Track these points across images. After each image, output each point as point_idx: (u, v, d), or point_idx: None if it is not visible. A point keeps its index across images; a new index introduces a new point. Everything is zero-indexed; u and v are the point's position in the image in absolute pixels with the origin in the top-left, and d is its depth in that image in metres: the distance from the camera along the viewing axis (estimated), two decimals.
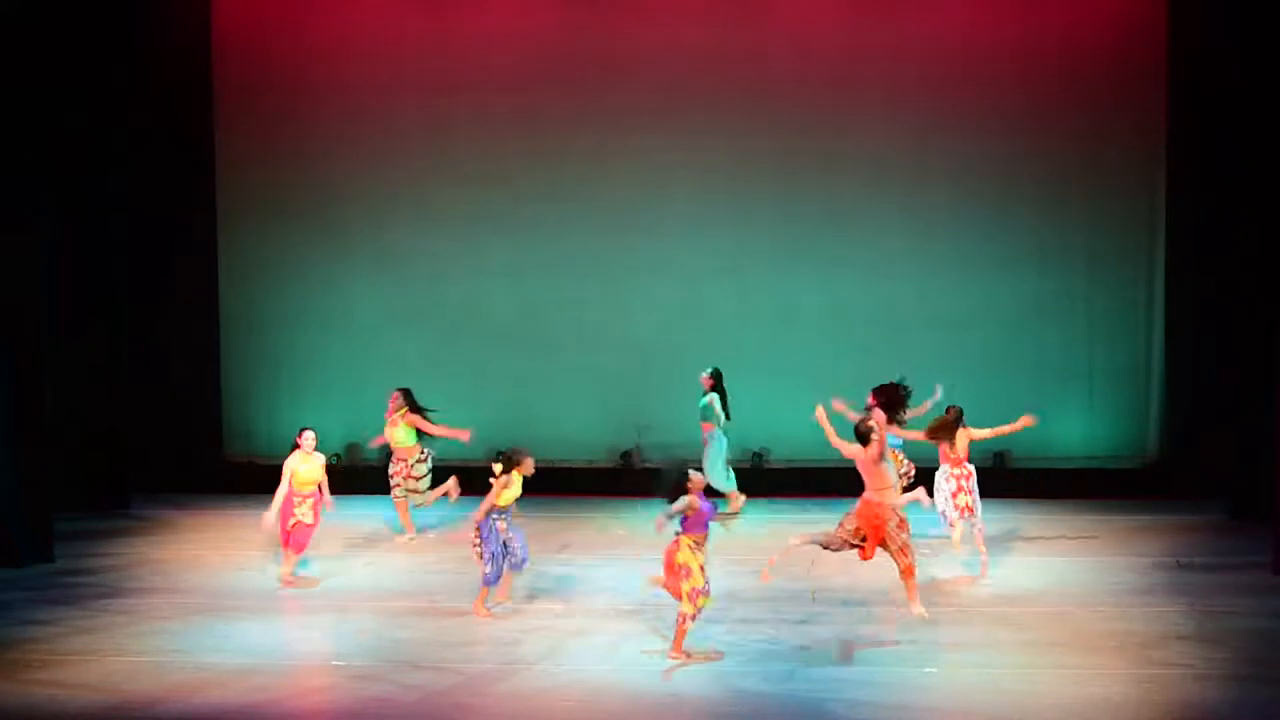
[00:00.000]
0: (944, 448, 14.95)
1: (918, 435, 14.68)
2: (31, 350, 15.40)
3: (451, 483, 15.59)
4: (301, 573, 14.62)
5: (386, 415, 16.43)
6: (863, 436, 12.93)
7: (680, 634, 11.94)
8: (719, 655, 12.06)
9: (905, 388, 13.88)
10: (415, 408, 16.31)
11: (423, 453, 16.43)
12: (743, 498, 17.43)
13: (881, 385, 13.93)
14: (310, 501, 14.39)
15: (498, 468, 13.26)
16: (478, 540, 13.24)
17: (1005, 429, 14.78)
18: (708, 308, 19.04)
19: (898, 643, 12.46)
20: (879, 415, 13.29)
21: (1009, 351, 18.69)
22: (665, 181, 18.97)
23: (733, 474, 17.44)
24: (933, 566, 14.87)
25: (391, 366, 18.51)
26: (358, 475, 18.07)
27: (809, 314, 18.91)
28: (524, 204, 19.02)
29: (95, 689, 11.47)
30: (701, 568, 11.88)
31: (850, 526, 12.89)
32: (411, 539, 16.31)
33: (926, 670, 11.81)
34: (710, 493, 13.48)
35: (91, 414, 17.46)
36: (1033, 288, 18.81)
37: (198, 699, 11.25)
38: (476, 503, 13.26)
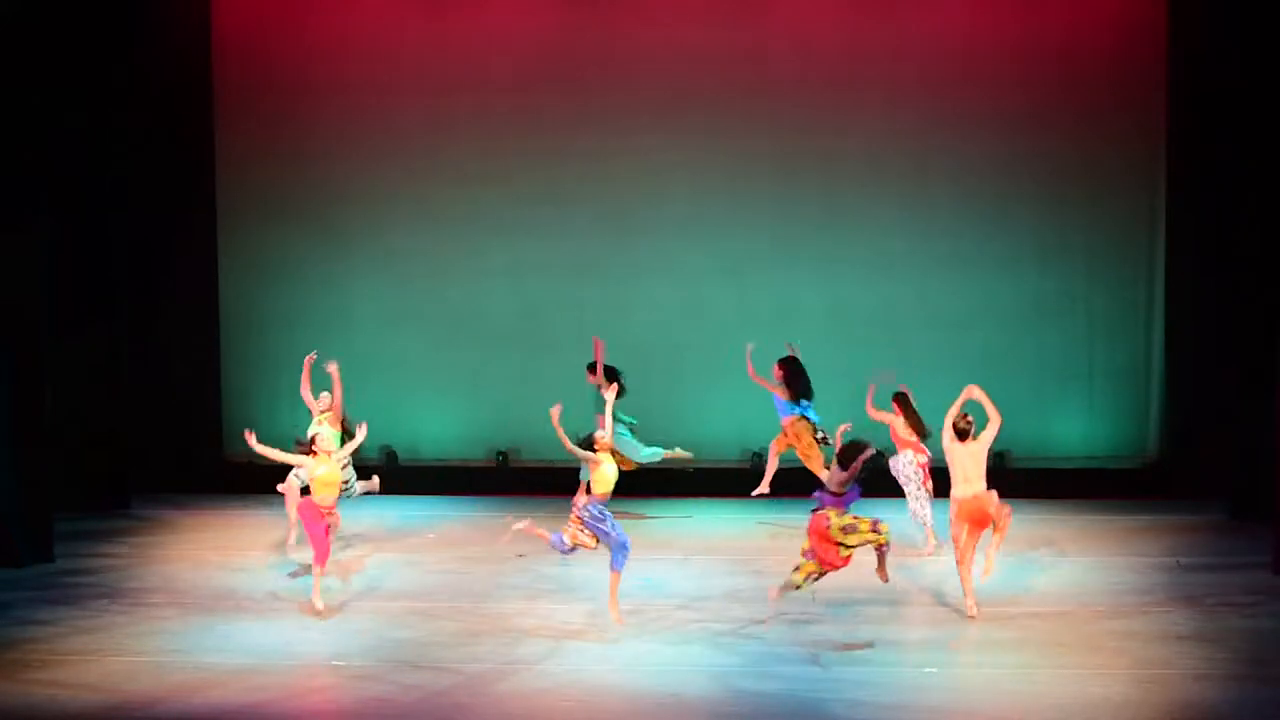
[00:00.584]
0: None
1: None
2: (31, 350, 15.40)
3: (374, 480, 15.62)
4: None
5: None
6: (962, 433, 13.43)
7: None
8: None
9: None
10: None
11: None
12: (677, 449, 17.23)
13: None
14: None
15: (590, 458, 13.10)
16: (582, 528, 12.96)
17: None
18: (708, 308, 19.03)
19: (901, 642, 12.47)
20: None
21: (1009, 351, 18.68)
22: (665, 181, 18.95)
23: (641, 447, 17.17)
24: (935, 566, 14.87)
25: (391, 366, 18.51)
26: (357, 475, 18.03)
27: (809, 314, 18.89)
28: (524, 204, 19.01)
29: (95, 689, 11.47)
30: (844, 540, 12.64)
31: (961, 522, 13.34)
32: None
33: (926, 670, 11.81)
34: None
35: (91, 414, 17.44)
36: (1033, 288, 18.80)
37: (198, 699, 11.25)
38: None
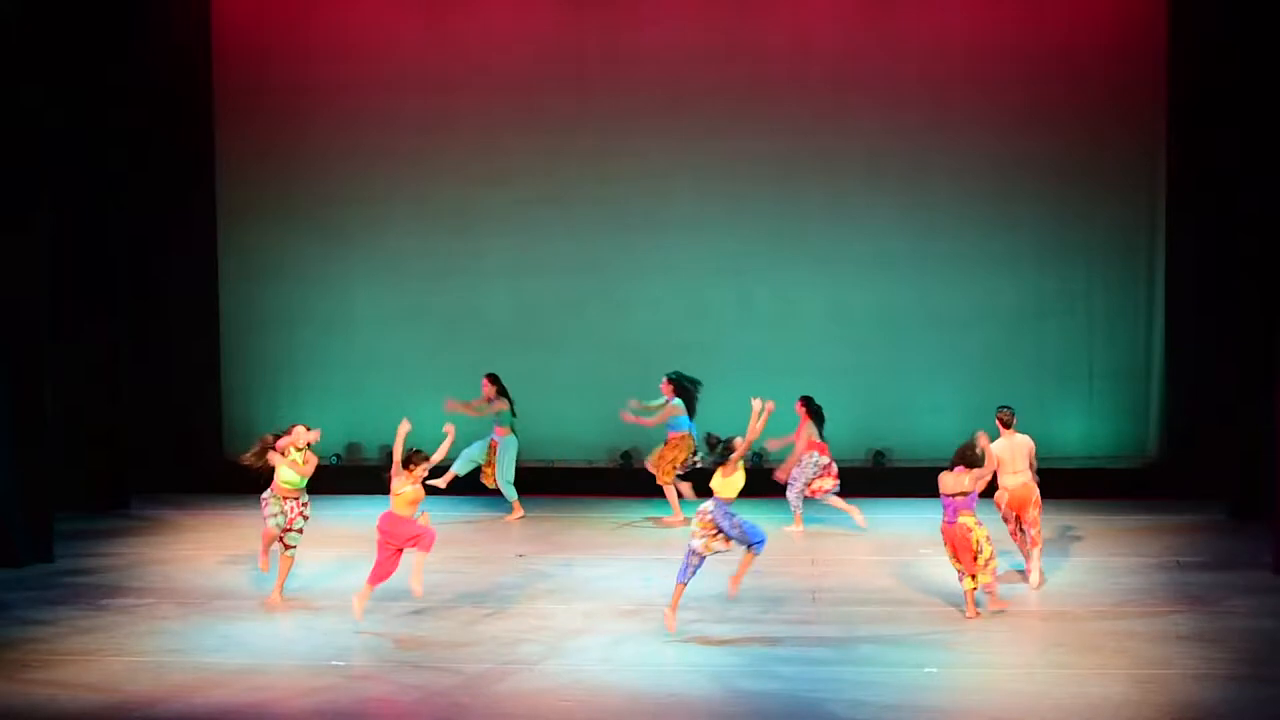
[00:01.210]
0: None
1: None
2: (31, 350, 15.40)
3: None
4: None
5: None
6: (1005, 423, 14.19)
7: (993, 592, 13.27)
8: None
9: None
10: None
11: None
12: (522, 511, 17.34)
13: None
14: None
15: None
16: (712, 527, 12.77)
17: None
18: (708, 308, 19.04)
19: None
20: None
21: (1009, 351, 18.69)
22: (665, 181, 18.96)
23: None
24: (935, 566, 14.86)
25: (391, 366, 18.52)
26: (358, 475, 18.07)
27: (809, 314, 18.90)
28: (524, 204, 19.01)
29: (95, 689, 11.47)
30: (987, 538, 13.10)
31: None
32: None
33: (926, 670, 11.81)
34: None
35: (91, 414, 17.46)
36: (1033, 288, 18.80)
37: (198, 699, 11.25)
38: None
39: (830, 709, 11.05)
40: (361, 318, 19.18)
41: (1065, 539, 16.13)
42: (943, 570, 14.66)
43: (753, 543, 12.82)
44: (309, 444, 13.71)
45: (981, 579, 13.15)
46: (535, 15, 18.98)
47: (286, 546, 13.70)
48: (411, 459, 12.96)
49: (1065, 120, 18.56)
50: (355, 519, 16.85)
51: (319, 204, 19.15)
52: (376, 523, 13.01)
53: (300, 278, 19.23)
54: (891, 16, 18.72)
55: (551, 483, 18.64)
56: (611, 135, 18.94)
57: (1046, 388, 18.62)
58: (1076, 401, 18.79)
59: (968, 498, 13.10)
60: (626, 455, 18.96)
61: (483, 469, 17.39)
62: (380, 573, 12.97)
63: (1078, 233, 18.74)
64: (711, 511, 12.71)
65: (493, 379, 17.31)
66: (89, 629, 12.98)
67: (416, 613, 13.40)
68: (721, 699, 11.25)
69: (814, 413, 16.79)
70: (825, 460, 16.75)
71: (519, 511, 17.33)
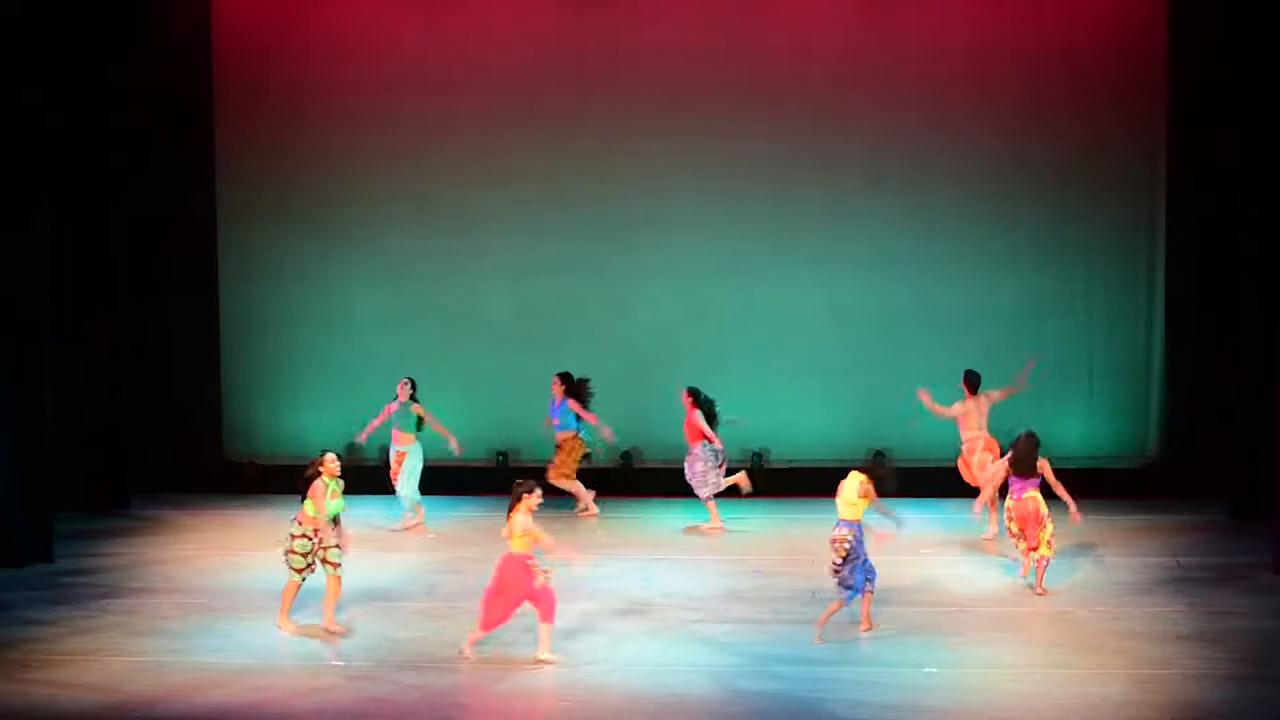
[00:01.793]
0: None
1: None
2: (31, 350, 15.41)
3: None
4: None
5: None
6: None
7: (1043, 573, 13.87)
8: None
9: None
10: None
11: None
12: (420, 520, 17.03)
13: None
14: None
15: (857, 482, 12.63)
16: (846, 550, 12.60)
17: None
18: (708, 308, 19.03)
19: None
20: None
21: (1009, 351, 18.62)
22: (665, 181, 18.95)
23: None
24: (936, 566, 14.88)
25: (391, 366, 18.49)
26: (357, 475, 18.02)
27: (809, 314, 18.90)
28: (524, 204, 19.01)
29: (95, 689, 11.47)
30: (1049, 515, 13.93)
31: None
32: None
33: (926, 670, 11.81)
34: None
35: (91, 414, 17.46)
36: (1033, 288, 18.80)
37: (198, 699, 11.25)
38: None
39: (830, 709, 11.06)
40: (361, 318, 19.18)
41: (1065, 539, 16.11)
42: (943, 570, 14.69)
43: (851, 589, 12.62)
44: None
45: (1043, 551, 13.85)
46: (535, 15, 18.97)
47: (333, 566, 12.86)
48: (525, 489, 12.08)
49: (1065, 120, 18.55)
50: (355, 519, 16.84)
51: (319, 204, 19.15)
52: (498, 565, 12.11)
53: (300, 278, 19.23)
54: (891, 16, 18.72)
55: (550, 484, 18.63)
56: (611, 135, 18.94)
57: (1046, 388, 18.56)
58: (1076, 401, 18.78)
59: (1035, 480, 14.05)
60: (626, 455, 18.96)
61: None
62: (493, 620, 12.08)
63: (1078, 233, 18.74)
64: (850, 540, 12.56)
65: (564, 377, 17.30)
66: (89, 629, 12.99)
67: (417, 613, 13.41)
68: (721, 699, 11.25)
69: (701, 404, 16.79)
70: (720, 449, 16.77)
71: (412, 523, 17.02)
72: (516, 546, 12.03)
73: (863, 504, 12.59)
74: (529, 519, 12.01)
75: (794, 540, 16.38)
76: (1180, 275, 18.30)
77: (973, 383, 16.20)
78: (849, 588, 12.58)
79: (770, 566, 14.81)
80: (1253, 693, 11.32)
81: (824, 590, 13.97)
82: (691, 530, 16.85)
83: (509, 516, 12.04)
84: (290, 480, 16.58)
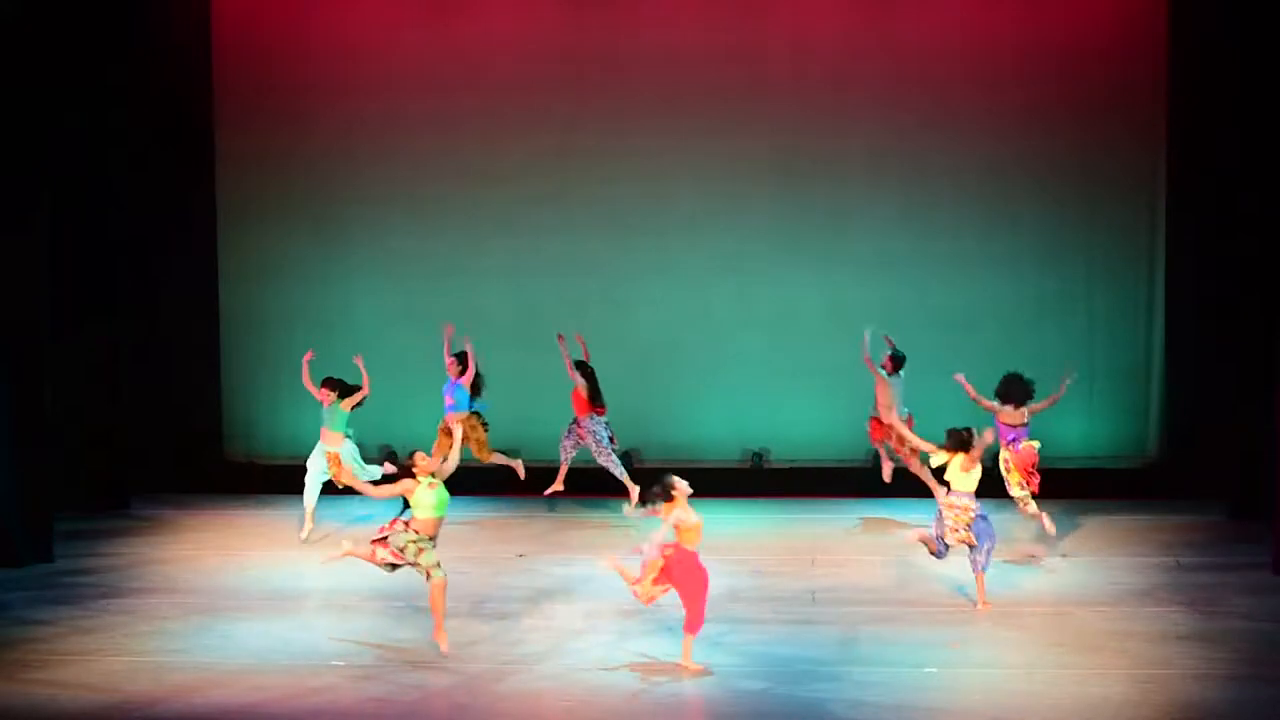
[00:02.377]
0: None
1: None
2: (31, 350, 15.40)
3: None
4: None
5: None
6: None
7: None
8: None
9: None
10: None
11: None
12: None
13: None
14: None
15: (940, 455, 13.46)
16: (968, 529, 13.36)
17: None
18: (708, 308, 19.02)
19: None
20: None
21: (1009, 351, 18.62)
22: (666, 181, 18.94)
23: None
24: (936, 566, 14.87)
25: (391, 366, 18.48)
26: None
27: (809, 314, 18.89)
28: (524, 204, 19.00)
29: (95, 689, 11.47)
30: None
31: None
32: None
33: (926, 670, 11.81)
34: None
35: (91, 414, 17.45)
36: (1033, 288, 18.79)
37: (198, 699, 11.25)
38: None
39: (830, 709, 11.06)
40: (361, 318, 19.17)
41: (1065, 539, 16.12)
42: (943, 569, 14.68)
43: (979, 547, 13.31)
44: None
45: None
46: (535, 15, 18.96)
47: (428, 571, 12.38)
48: (670, 486, 11.90)
49: (1065, 120, 18.53)
50: (355, 519, 16.86)
51: (319, 204, 19.13)
52: (668, 556, 11.89)
53: (300, 278, 19.22)
54: (891, 16, 18.71)
55: (551, 483, 18.61)
56: (611, 135, 18.92)
57: (1047, 388, 18.56)
58: (1076, 401, 18.72)
59: (1025, 428, 15.02)
60: (626, 455, 18.94)
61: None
62: (697, 619, 11.80)
63: (1078, 233, 18.73)
64: (974, 509, 13.34)
65: (460, 357, 17.02)
66: (89, 629, 12.99)
67: (417, 613, 13.40)
68: (722, 699, 11.25)
69: (589, 375, 16.97)
70: (606, 419, 17.01)
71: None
72: (689, 540, 11.91)
73: (970, 471, 13.36)
74: (686, 512, 11.90)
75: (794, 540, 16.38)
76: (1180, 275, 18.29)
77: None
78: (979, 548, 13.35)
79: (770, 566, 14.81)
80: (1253, 693, 11.32)
81: (824, 590, 13.99)
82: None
83: (663, 515, 11.84)
84: (290, 480, 16.72)
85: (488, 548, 15.98)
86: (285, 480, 17.08)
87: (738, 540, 16.31)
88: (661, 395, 18.61)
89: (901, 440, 15.94)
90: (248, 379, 19.28)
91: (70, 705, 11.16)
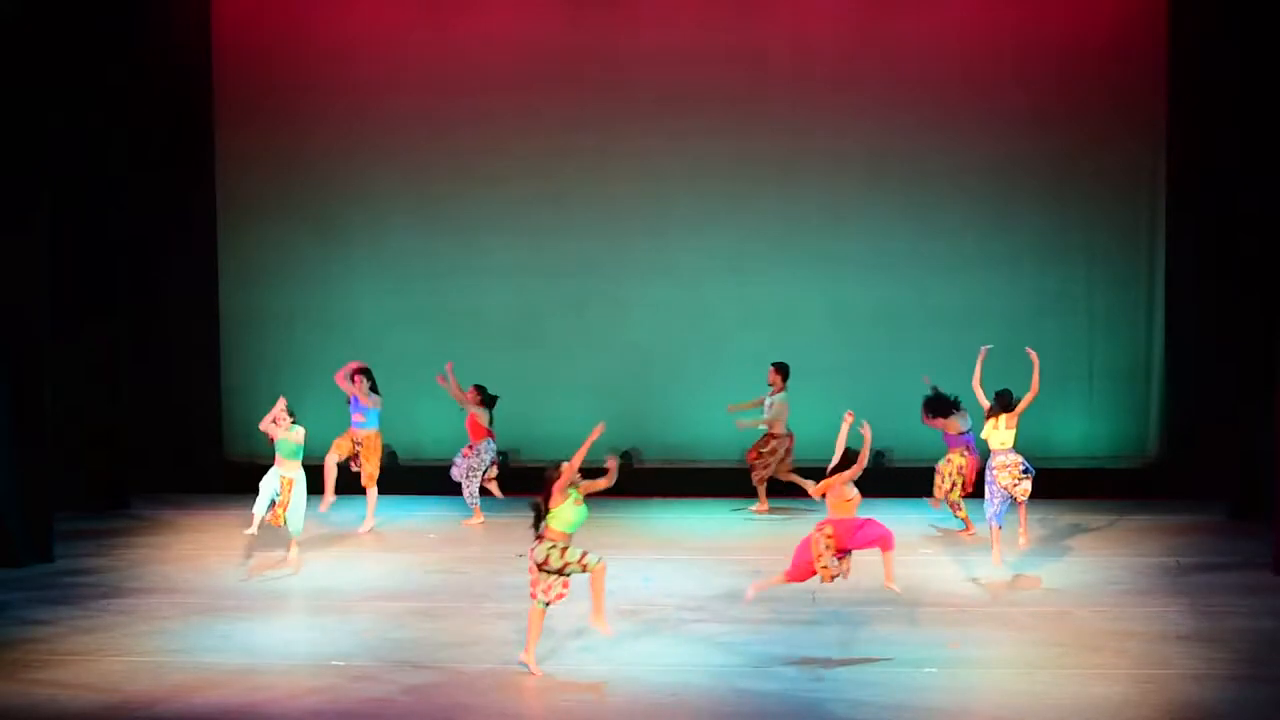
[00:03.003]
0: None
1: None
2: (31, 350, 15.40)
3: None
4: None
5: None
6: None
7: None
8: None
9: None
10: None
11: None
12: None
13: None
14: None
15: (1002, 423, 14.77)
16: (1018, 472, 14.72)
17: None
18: (708, 308, 19.03)
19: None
20: None
21: (1009, 351, 18.62)
22: (665, 182, 18.95)
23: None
24: (936, 566, 14.88)
25: (391, 366, 18.49)
26: (357, 475, 18.03)
27: (809, 314, 18.90)
28: (524, 204, 19.01)
29: (95, 689, 11.47)
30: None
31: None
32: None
33: (926, 670, 11.81)
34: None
35: (91, 414, 17.46)
36: (1033, 288, 18.80)
37: (198, 699, 11.25)
38: None
39: (830, 709, 11.06)
40: (361, 318, 19.17)
41: (1065, 539, 16.14)
42: (943, 570, 14.69)
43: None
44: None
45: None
46: (535, 15, 18.97)
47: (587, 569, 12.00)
48: (849, 458, 12.79)
49: (1065, 120, 18.55)
50: (355, 519, 16.86)
51: (319, 204, 19.14)
52: (828, 532, 12.46)
53: (300, 278, 19.22)
54: (891, 16, 18.72)
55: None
56: (611, 135, 18.93)
57: (1046, 388, 18.54)
58: (1076, 401, 18.79)
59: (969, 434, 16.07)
60: (626, 455, 18.95)
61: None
62: (801, 573, 12.57)
63: (1078, 233, 18.74)
64: (1024, 460, 14.65)
65: (366, 372, 16.82)
66: (89, 629, 12.99)
67: (416, 613, 13.41)
68: (721, 699, 11.25)
69: (486, 401, 16.99)
70: (495, 446, 17.13)
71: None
72: (844, 511, 12.65)
73: (1012, 428, 14.75)
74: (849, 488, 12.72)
75: (794, 540, 16.35)
76: (1180, 275, 18.30)
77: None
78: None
79: (770, 566, 14.79)
80: (1253, 693, 11.32)
81: (824, 590, 13.97)
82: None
83: (843, 479, 12.64)
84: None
85: (488, 548, 15.98)
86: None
87: (738, 540, 16.33)
88: (661, 395, 18.61)
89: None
90: (248, 379, 19.28)
91: (70, 705, 11.16)
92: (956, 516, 16.34)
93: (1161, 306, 18.56)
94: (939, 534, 16.36)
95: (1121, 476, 18.55)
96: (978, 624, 13.03)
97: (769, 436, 17.51)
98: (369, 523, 16.65)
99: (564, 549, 11.83)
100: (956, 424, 16.27)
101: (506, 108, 18.92)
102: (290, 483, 14.61)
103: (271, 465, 14.72)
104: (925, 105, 18.66)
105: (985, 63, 18.60)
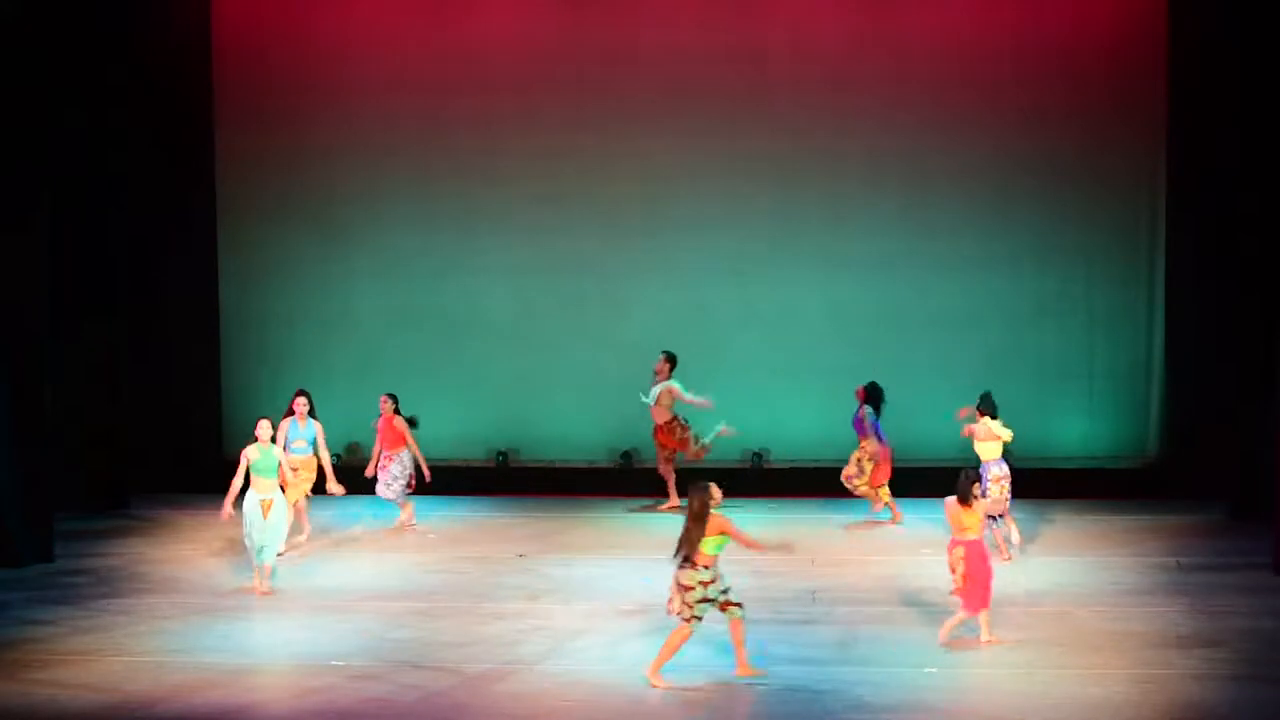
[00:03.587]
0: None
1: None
2: (32, 350, 15.41)
3: None
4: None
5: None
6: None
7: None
8: None
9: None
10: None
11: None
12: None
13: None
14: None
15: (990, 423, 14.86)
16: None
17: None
18: (708, 308, 19.02)
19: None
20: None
21: (1009, 351, 18.68)
22: (665, 181, 18.95)
23: None
24: (935, 566, 14.86)
25: (391, 366, 18.52)
26: (357, 475, 18.03)
27: (809, 314, 18.89)
28: (524, 204, 19.00)
29: (95, 689, 11.48)
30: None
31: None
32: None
33: (926, 670, 11.82)
34: None
35: (91, 414, 17.46)
36: (1033, 288, 18.79)
37: (198, 699, 11.26)
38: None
39: (830, 709, 11.06)
40: (361, 317, 19.17)
41: (1065, 539, 16.14)
42: (943, 570, 14.66)
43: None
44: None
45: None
46: (535, 15, 18.96)
47: (735, 606, 11.73)
48: (974, 479, 12.66)
49: (1065, 120, 18.54)
50: (354, 519, 16.87)
51: (319, 204, 19.14)
52: (966, 556, 12.48)
53: (300, 277, 19.22)
54: (891, 16, 18.71)
55: (551, 483, 18.63)
56: (611, 135, 18.93)
57: (1046, 388, 18.61)
58: (1076, 401, 18.78)
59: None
60: (626, 455, 18.96)
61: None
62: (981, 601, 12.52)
63: (1078, 233, 18.73)
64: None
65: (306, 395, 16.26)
66: (89, 629, 13.00)
67: (417, 613, 13.41)
68: (721, 699, 11.25)
69: (414, 423, 16.79)
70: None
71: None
72: (977, 530, 12.68)
73: (1001, 438, 14.97)
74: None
75: (793, 540, 16.37)
76: (1180, 275, 18.29)
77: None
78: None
79: (770, 566, 14.79)
80: (1253, 693, 11.33)
81: (824, 590, 13.99)
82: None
83: (967, 509, 12.58)
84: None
85: (488, 548, 15.98)
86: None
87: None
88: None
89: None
90: (248, 379, 19.28)
91: (70, 705, 11.17)
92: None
93: (1161, 306, 18.55)
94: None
95: (1121, 476, 18.54)
96: (977, 624, 13.01)
97: (671, 423, 17.29)
98: (308, 531, 16.17)
99: (711, 580, 11.60)
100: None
101: (506, 108, 18.91)
102: (269, 504, 14.35)
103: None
104: (925, 105, 18.65)
105: (985, 62, 18.59)
